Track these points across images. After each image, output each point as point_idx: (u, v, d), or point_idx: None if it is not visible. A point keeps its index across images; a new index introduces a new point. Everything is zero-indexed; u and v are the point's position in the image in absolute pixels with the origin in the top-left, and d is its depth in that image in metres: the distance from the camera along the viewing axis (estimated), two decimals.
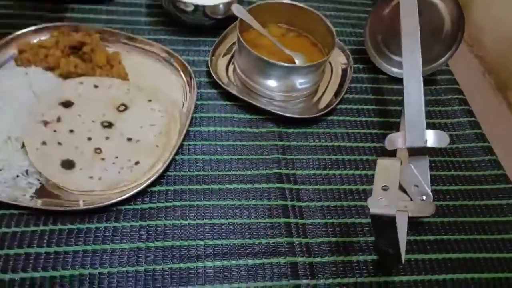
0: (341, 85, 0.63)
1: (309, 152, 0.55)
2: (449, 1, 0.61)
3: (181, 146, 0.52)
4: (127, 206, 0.46)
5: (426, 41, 0.56)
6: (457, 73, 0.70)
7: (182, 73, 0.60)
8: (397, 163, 0.36)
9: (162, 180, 0.49)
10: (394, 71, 0.67)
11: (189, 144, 0.53)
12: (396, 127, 0.59)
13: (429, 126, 0.49)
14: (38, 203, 0.44)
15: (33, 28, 0.61)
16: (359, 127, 0.59)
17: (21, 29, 0.60)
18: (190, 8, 0.64)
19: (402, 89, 0.51)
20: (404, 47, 0.54)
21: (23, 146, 0.46)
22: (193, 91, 0.57)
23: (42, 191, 0.45)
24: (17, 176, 0.45)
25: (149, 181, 0.47)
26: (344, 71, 0.65)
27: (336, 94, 0.61)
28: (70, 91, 0.53)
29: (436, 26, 0.63)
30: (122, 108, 0.53)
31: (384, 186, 0.33)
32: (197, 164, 0.51)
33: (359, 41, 0.71)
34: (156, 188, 0.48)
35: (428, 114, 0.62)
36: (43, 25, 0.61)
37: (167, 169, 0.49)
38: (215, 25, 0.67)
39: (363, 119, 0.60)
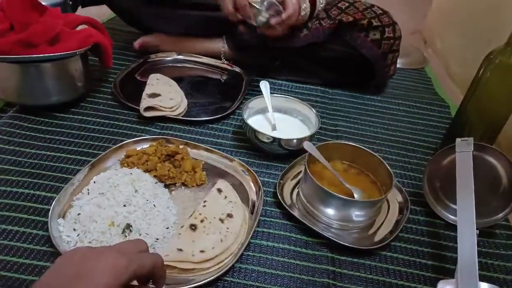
0: (397, 223, 0.66)
1: (359, 283, 0.57)
2: (505, 162, 0.66)
3: (241, 255, 0.57)
4: None
5: (482, 196, 0.60)
6: None
7: (253, 184, 0.70)
8: None
9: (219, 284, 0.54)
10: (451, 218, 0.69)
11: (248, 255, 0.58)
12: (451, 274, 0.59)
13: (487, 279, 0.49)
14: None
15: (136, 138, 0.76)
16: (412, 267, 0.61)
17: (126, 139, 0.75)
18: (269, 140, 0.76)
19: None
20: (459, 198, 0.58)
21: (123, 231, 0.55)
22: (261, 201, 0.65)
23: None
24: None
25: (219, 272, 0.53)
26: (401, 210, 0.69)
27: (392, 231, 0.64)
28: None
29: (493, 183, 0.67)
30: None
31: None
32: (253, 274, 0.56)
33: (417, 185, 0.76)
34: None
35: (486, 267, 0.62)
36: (144, 136, 0.77)
37: (225, 274, 0.54)
38: (288, 155, 0.77)
39: (417, 260, 0.62)
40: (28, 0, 0.74)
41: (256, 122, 0.82)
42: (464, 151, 0.67)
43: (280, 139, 0.75)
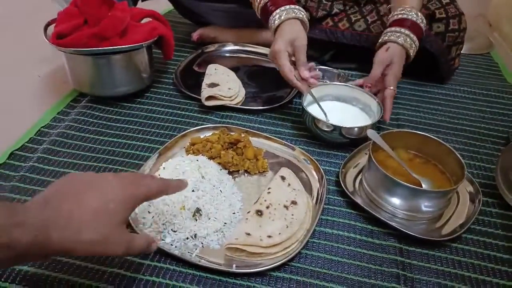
0: (468, 215, 0.63)
1: (430, 275, 0.55)
2: None
3: (307, 242, 0.57)
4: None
5: None
6: None
7: (315, 173, 0.69)
8: None
9: (286, 268, 0.54)
10: None
11: (313, 242, 0.59)
12: None
13: None
14: (201, 262, 0.53)
15: (201, 127, 0.78)
16: (486, 260, 0.58)
17: (192, 127, 0.78)
18: (330, 128, 0.75)
19: None
20: None
21: (194, 214, 0.58)
22: (324, 189, 0.65)
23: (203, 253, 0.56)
24: (187, 238, 0.56)
25: (287, 258, 0.54)
26: (472, 202, 0.66)
27: (463, 224, 0.62)
28: None
29: None
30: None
31: None
32: (319, 261, 0.56)
33: (489, 176, 0.72)
34: (280, 274, 0.54)
35: None
36: (206, 125, 0.79)
37: (292, 259, 0.55)
38: (348, 144, 0.76)
39: (491, 253, 0.59)
40: None
41: (316, 110, 0.81)
42: None
43: (340, 127, 0.74)
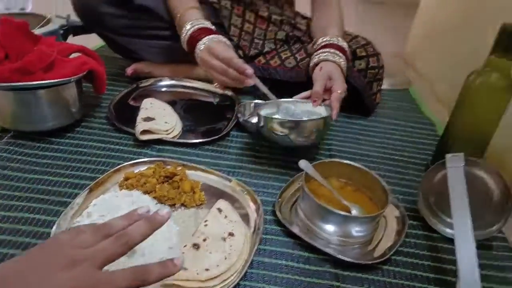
0: (395, 238, 0.67)
1: None
2: (496, 175, 0.69)
3: (246, 273, 0.57)
4: None
5: (475, 209, 0.62)
6: None
7: (252, 203, 0.70)
8: None
9: None
10: (448, 231, 0.71)
11: (252, 272, 0.58)
12: (453, 286, 0.60)
13: None
14: None
15: (136, 161, 0.76)
16: (414, 280, 0.61)
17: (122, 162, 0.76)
18: (286, 127, 0.77)
19: None
20: (454, 213, 0.60)
21: None
22: (261, 219, 0.66)
23: None
24: None
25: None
26: (399, 226, 0.70)
27: (391, 246, 0.65)
28: None
29: (485, 196, 0.69)
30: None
31: None
32: None
33: (413, 201, 0.78)
34: None
35: (485, 278, 0.63)
36: (141, 159, 0.77)
37: None
38: (300, 149, 0.84)
39: (418, 273, 0.63)
40: (23, 31, 0.76)
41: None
42: (455, 166, 0.69)
43: (299, 121, 0.78)
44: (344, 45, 0.96)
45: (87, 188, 0.66)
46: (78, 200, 0.64)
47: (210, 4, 1.09)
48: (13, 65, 0.71)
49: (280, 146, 0.85)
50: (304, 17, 1.18)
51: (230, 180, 0.74)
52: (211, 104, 1.06)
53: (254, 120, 0.93)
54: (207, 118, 0.98)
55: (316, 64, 0.92)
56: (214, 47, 0.89)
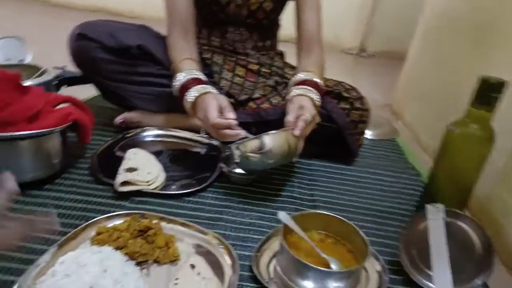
0: None
1: None
2: (477, 228, 0.67)
3: None
4: None
5: (459, 262, 0.60)
6: None
7: (228, 258, 0.68)
8: None
9: None
10: (430, 285, 0.68)
11: None
12: None
13: None
14: None
15: (109, 214, 0.74)
16: None
17: (99, 215, 0.74)
18: (257, 145, 0.81)
19: None
20: (434, 266, 0.58)
21: None
22: (236, 276, 0.63)
23: None
24: None
25: None
26: (380, 279, 0.67)
27: None
28: None
29: (466, 249, 0.67)
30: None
31: None
32: None
33: (395, 253, 0.75)
34: None
35: None
36: (117, 212, 0.75)
37: None
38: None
39: None
40: (12, 83, 0.77)
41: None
42: (435, 218, 0.68)
43: (265, 134, 0.81)
44: (318, 80, 0.99)
45: (55, 244, 0.65)
46: (45, 257, 0.62)
47: (203, 60, 1.12)
48: None
49: (260, 175, 0.86)
50: (292, 68, 1.22)
51: (206, 233, 0.72)
52: (197, 154, 1.06)
53: (238, 170, 0.93)
54: (192, 168, 0.98)
55: (289, 100, 0.95)
56: (198, 102, 0.91)
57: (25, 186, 0.80)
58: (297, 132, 0.83)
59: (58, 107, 0.86)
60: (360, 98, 1.06)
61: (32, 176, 0.81)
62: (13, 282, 0.59)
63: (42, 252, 0.64)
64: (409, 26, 1.76)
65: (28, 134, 0.75)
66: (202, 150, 1.08)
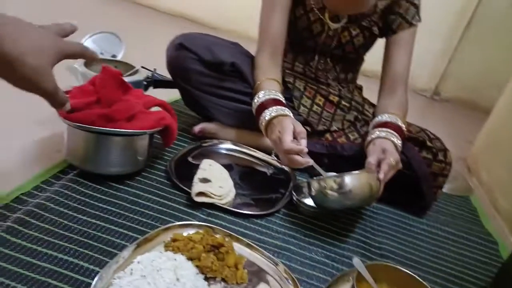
0: None
1: None
2: None
3: None
4: None
5: None
6: None
7: None
8: None
9: None
10: None
11: None
12: None
13: None
14: None
15: (182, 222, 0.76)
16: None
17: (176, 220, 0.76)
18: (337, 182, 0.79)
19: None
20: None
21: None
22: None
23: None
24: None
25: None
26: None
27: None
28: None
29: None
30: None
31: None
32: None
33: None
34: None
35: None
36: (190, 222, 0.76)
37: None
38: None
39: None
40: (118, 80, 0.82)
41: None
42: None
43: (348, 174, 0.79)
44: (401, 124, 0.96)
45: (134, 243, 0.67)
46: (124, 254, 0.64)
47: (284, 83, 1.13)
48: (101, 110, 0.77)
49: (333, 213, 0.85)
50: (372, 105, 1.20)
51: (277, 264, 0.71)
52: (264, 174, 1.07)
53: (308, 201, 0.92)
54: (259, 189, 0.98)
55: (370, 141, 0.93)
56: (274, 123, 0.91)
57: (107, 179, 0.84)
58: (381, 175, 0.81)
59: (151, 109, 0.91)
60: (444, 150, 1.01)
61: (116, 171, 0.85)
62: (93, 271, 0.61)
63: (121, 247, 0.67)
64: (490, 78, 1.67)
65: (127, 132, 0.79)
66: (269, 171, 1.08)
